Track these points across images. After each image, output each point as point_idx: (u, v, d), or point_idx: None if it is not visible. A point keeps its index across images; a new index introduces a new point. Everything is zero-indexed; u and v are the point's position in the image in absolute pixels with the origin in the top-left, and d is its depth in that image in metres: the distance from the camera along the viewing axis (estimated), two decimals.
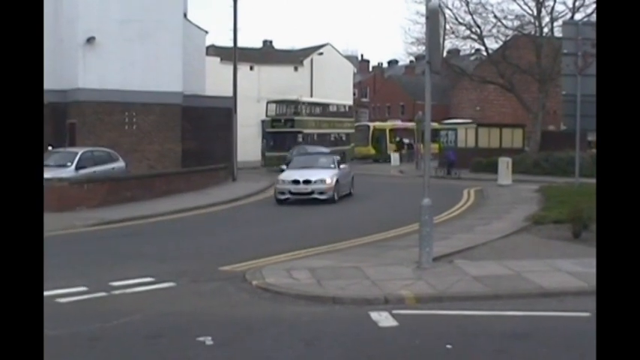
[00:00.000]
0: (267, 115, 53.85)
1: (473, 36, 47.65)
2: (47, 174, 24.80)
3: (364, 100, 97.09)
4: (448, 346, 8.57)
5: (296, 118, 52.41)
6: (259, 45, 75.68)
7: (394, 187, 35.85)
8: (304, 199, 26.46)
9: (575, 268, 12.77)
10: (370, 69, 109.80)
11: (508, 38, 48.04)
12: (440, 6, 13.67)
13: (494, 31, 47.21)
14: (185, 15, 39.98)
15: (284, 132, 51.28)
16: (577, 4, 43.37)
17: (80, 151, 28.92)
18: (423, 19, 14.79)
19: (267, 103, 54.40)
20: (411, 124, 67.22)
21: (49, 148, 31.97)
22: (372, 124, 67.41)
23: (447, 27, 44.04)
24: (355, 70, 79.28)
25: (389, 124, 69.42)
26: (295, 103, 53.42)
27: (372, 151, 64.48)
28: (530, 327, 9.62)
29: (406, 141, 63.19)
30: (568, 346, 8.75)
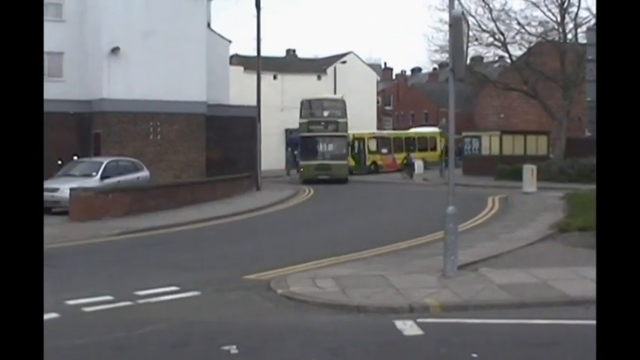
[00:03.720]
0: (301, 116, 46.01)
1: (496, 43, 47.52)
2: (73, 184, 25.13)
3: (388, 108, 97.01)
4: (474, 355, 8.52)
5: (340, 120, 45.29)
6: (282, 54, 75.93)
7: (420, 194, 35.76)
8: None
9: None
10: (394, 77, 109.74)
11: (532, 45, 47.85)
12: (463, 13, 13.68)
13: (518, 37, 47.11)
14: (209, 25, 40.19)
15: (326, 136, 44.97)
16: None
17: (105, 160, 29.13)
18: (447, 27, 14.78)
19: (303, 101, 46.69)
20: (386, 133, 65.90)
21: (75, 157, 32.24)
22: (350, 133, 57.00)
23: (471, 34, 43.95)
24: (378, 78, 79.29)
25: (367, 133, 60.46)
26: (339, 103, 46.70)
27: (352, 162, 53.23)
28: (557, 335, 9.57)
29: (384, 151, 58.37)
30: (594, 354, 8.67)
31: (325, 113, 45.94)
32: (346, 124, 45.42)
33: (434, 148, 60.41)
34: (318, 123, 45.21)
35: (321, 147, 44.81)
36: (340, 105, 46.22)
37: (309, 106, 46.33)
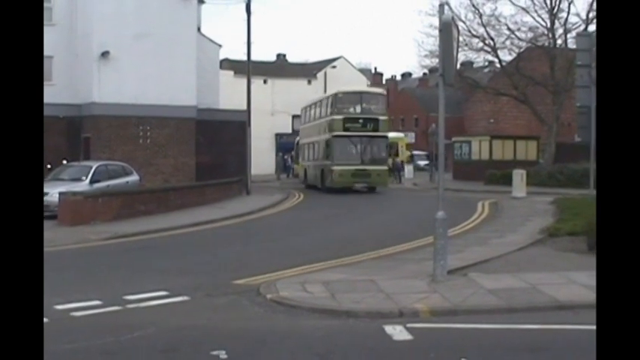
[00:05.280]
0: (334, 112, 39.04)
1: (486, 48, 47.69)
2: (62, 188, 25.02)
3: None
4: None
5: (381, 117, 39.22)
6: (273, 58, 76.12)
7: (409, 199, 35.80)
8: None
9: (590, 281, 12.66)
10: (384, 82, 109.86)
11: (522, 50, 48.02)
12: (453, 19, 13.66)
13: (508, 43, 47.27)
14: (199, 29, 40.19)
15: (364, 136, 38.59)
16: (590, 15, 43.33)
17: (95, 164, 29.05)
18: (437, 32, 14.81)
19: (337, 94, 39.88)
20: None
21: (64, 161, 32.14)
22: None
23: (461, 39, 44.07)
24: (369, 83, 79.42)
25: None
26: (379, 97, 41.00)
27: None
28: (546, 340, 9.57)
29: None
30: (584, 359, 8.69)
31: (364, 109, 39.64)
32: (387, 122, 40.17)
33: (396, 154, 60.56)
34: (356, 120, 38.84)
35: (359, 149, 38.67)
36: (381, 100, 40.59)
37: (343, 101, 39.83)
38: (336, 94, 39.68)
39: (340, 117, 38.52)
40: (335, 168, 38.11)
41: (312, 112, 44.59)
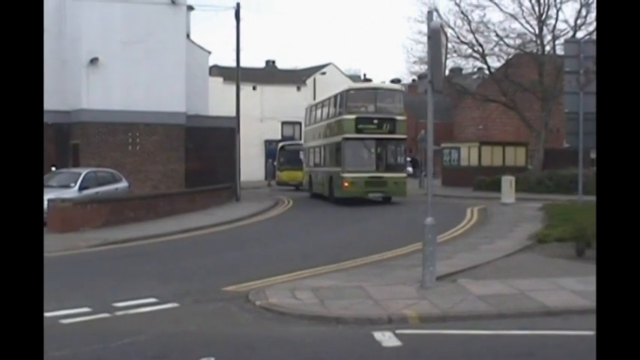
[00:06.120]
0: (346, 111, 34.19)
1: (475, 55, 47.69)
2: (51, 194, 24.88)
3: None
4: None
5: (398, 117, 34.46)
6: (262, 65, 76.05)
7: (398, 206, 35.80)
8: None
9: (579, 287, 12.74)
10: None
11: (510, 57, 48.09)
12: (442, 25, 13.74)
13: (497, 49, 47.28)
14: (188, 35, 40.14)
15: (380, 139, 34.25)
16: (578, 22, 43.51)
17: (83, 171, 28.95)
18: (425, 39, 14.88)
19: (349, 90, 35.27)
20: None
21: (53, 168, 32.02)
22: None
23: (449, 46, 44.06)
24: None
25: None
26: (396, 94, 36.10)
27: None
28: (535, 346, 9.59)
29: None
30: None
31: (378, 108, 34.79)
32: (405, 122, 35.06)
33: None
34: (370, 121, 34.15)
35: (373, 153, 34.44)
36: (397, 97, 35.61)
37: (355, 98, 35.04)
38: (347, 91, 34.89)
39: (352, 117, 33.94)
40: (346, 175, 33.78)
41: (319, 111, 40.28)
